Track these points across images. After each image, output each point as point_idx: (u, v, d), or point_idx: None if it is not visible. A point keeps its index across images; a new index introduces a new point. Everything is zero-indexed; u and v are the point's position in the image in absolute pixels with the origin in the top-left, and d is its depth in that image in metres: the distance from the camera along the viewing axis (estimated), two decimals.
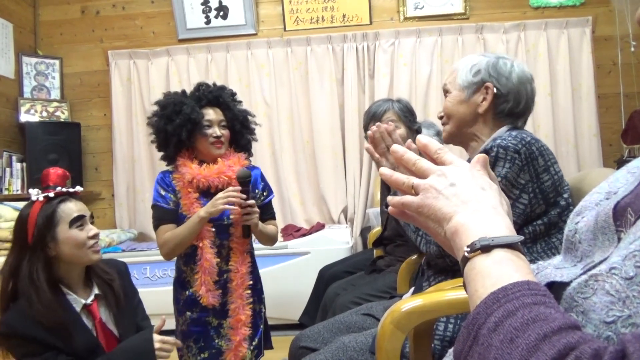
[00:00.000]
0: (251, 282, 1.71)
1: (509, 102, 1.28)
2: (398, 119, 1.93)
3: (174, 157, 1.72)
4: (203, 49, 3.59)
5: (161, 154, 1.76)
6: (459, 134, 1.34)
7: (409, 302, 0.93)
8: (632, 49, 3.23)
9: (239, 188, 1.61)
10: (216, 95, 1.73)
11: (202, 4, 3.59)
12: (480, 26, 3.45)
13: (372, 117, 1.96)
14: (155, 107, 1.74)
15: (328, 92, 3.53)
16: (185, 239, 1.64)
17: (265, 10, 3.64)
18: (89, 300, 1.42)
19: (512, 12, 3.51)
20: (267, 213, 1.80)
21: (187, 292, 1.69)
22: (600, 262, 0.50)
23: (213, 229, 1.66)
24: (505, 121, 1.30)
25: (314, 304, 2.27)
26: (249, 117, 1.82)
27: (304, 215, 3.56)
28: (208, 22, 3.62)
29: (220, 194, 1.61)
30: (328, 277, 2.32)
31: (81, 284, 1.45)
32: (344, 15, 3.57)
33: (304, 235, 3.23)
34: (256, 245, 1.82)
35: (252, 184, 1.71)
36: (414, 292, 1.34)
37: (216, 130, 1.69)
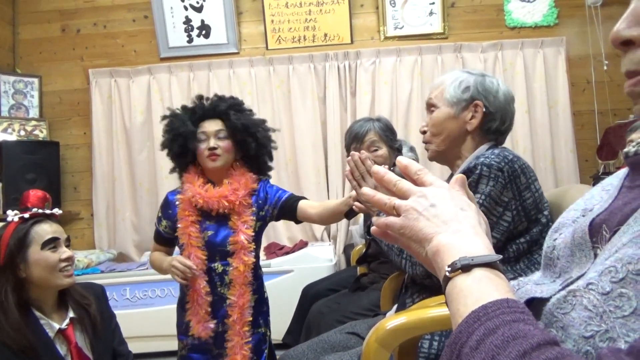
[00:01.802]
0: (251, 319, 1.59)
1: (497, 121, 1.28)
2: (379, 139, 1.95)
3: (182, 172, 1.69)
4: (185, 68, 3.59)
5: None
6: (446, 151, 1.32)
7: (393, 320, 0.93)
8: (605, 67, 3.34)
9: (196, 269, 1.54)
10: (214, 106, 1.67)
11: (184, 23, 3.60)
12: (459, 45, 3.53)
13: (354, 137, 1.97)
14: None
15: (310, 110, 3.55)
16: (159, 271, 1.69)
17: (247, 29, 3.66)
18: (63, 325, 1.38)
19: (489, 32, 3.60)
20: (295, 199, 1.65)
21: (187, 315, 1.63)
22: (578, 278, 0.52)
23: (206, 258, 1.59)
24: (489, 138, 1.31)
25: (298, 323, 2.25)
26: (259, 126, 1.67)
27: (286, 233, 3.54)
28: (190, 40, 3.62)
29: (178, 264, 1.53)
30: (312, 295, 2.30)
31: (55, 308, 1.41)
32: (325, 35, 3.62)
33: (287, 253, 3.21)
34: None
35: (261, 201, 1.66)
36: (397, 309, 1.34)
37: (209, 143, 1.60)
